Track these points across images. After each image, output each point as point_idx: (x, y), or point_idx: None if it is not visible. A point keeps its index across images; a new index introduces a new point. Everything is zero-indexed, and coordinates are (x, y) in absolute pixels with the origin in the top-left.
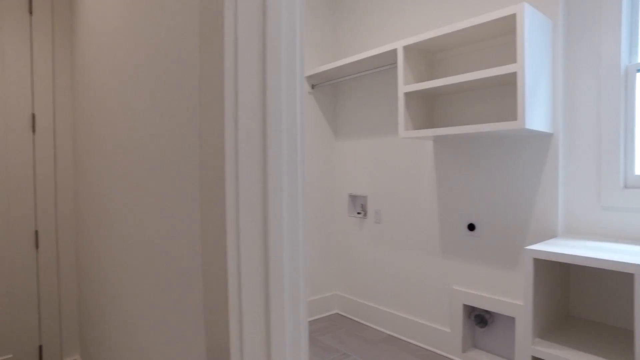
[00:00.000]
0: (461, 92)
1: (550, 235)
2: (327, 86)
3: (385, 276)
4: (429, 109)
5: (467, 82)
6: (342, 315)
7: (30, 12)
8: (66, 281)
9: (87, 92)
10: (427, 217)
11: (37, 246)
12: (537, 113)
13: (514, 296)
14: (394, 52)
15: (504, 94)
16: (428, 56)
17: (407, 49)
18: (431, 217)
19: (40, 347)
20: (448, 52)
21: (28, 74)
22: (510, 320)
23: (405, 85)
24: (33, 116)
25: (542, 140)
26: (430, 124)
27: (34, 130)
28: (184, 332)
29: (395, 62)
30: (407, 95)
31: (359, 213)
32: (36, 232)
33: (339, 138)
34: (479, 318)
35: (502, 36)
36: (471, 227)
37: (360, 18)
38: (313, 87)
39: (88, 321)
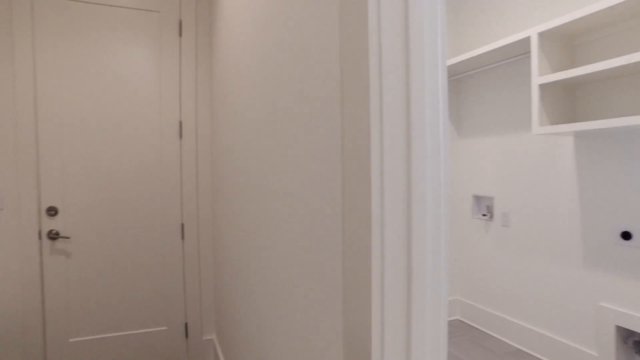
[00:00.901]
0: (611, 80)
1: None
2: (449, 82)
3: (514, 284)
4: (569, 101)
5: (620, 68)
6: (463, 322)
7: (180, 35)
8: (205, 268)
9: (224, 100)
10: (566, 222)
11: (182, 237)
12: None
13: None
14: (526, 41)
15: None
16: (568, 42)
17: (542, 35)
18: (571, 223)
19: (186, 324)
20: (592, 35)
21: (177, 87)
22: None
23: (540, 76)
24: (180, 124)
25: None
26: (570, 117)
27: (180, 136)
28: (320, 328)
29: (526, 52)
30: (543, 87)
31: (484, 215)
32: (182, 225)
33: (462, 136)
34: None
35: None
36: (626, 235)
37: (481, 7)
38: None
39: (222, 305)
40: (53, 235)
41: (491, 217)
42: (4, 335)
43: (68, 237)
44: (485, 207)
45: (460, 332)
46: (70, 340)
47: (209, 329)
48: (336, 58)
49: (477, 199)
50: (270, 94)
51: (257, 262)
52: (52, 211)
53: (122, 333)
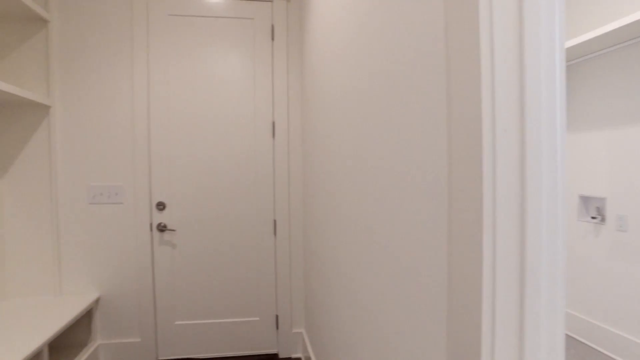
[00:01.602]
0: None
1: None
2: None
3: (631, 297)
4: None
5: None
6: (570, 337)
7: (272, 39)
8: (295, 263)
9: (316, 100)
10: None
11: (275, 233)
12: None
13: None
14: None
15: None
16: None
17: None
18: None
19: (277, 317)
20: None
21: (270, 88)
22: None
23: None
24: (273, 124)
25: None
26: None
27: (273, 136)
28: (421, 329)
29: None
30: None
31: (593, 218)
32: (274, 221)
33: (568, 130)
34: None
35: None
36: None
37: None
38: None
39: (312, 300)
40: (161, 228)
41: (602, 220)
42: (125, 313)
43: (174, 230)
44: (594, 209)
45: (567, 347)
46: (176, 322)
47: (299, 322)
48: (442, 47)
49: (585, 199)
50: (368, 91)
51: (352, 259)
52: (160, 206)
53: (219, 320)
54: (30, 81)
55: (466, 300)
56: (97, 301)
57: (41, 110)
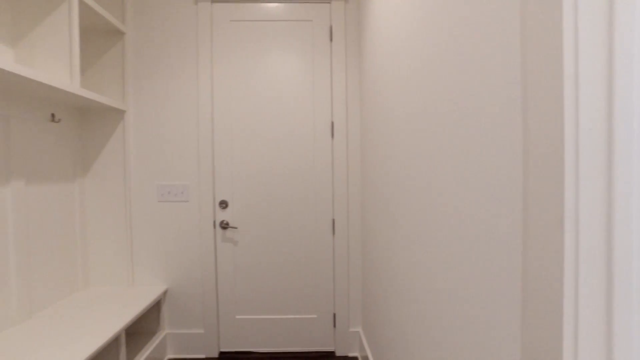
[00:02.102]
0: None
1: None
2: None
3: None
4: None
5: None
6: None
7: (331, 40)
8: (354, 263)
9: (375, 101)
10: None
11: (333, 232)
12: None
13: None
14: None
15: None
16: None
17: None
18: None
19: (334, 315)
20: None
21: (328, 89)
22: None
23: None
24: (332, 124)
25: None
26: None
27: (332, 136)
28: (488, 338)
29: None
30: None
31: None
32: (333, 221)
33: None
34: None
35: None
36: None
37: None
38: None
39: (370, 299)
40: (224, 225)
41: None
42: (190, 305)
43: (235, 227)
44: None
45: None
46: (237, 317)
47: (356, 321)
48: (517, 39)
49: None
50: (433, 91)
51: (415, 260)
52: (223, 204)
53: (278, 316)
54: (109, 88)
55: (545, 305)
56: (165, 293)
57: (118, 115)
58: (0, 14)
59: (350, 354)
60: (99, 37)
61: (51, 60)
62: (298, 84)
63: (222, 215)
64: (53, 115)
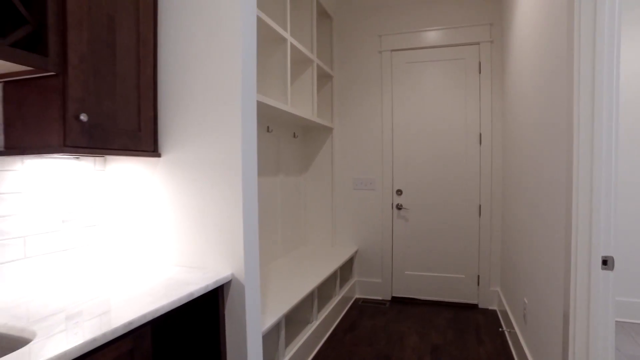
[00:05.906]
0: None
1: None
2: None
3: None
4: None
5: None
6: None
7: (479, 72)
8: (495, 238)
9: (513, 117)
10: None
11: (479, 214)
12: None
13: None
14: None
15: None
16: None
17: None
18: None
19: (478, 276)
20: None
21: (477, 108)
22: None
23: None
24: (480, 135)
25: None
26: None
27: (480, 143)
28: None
29: None
30: None
31: None
32: (479, 206)
33: None
34: None
35: None
36: None
37: None
38: None
39: (507, 264)
40: (399, 207)
41: None
42: (373, 262)
43: (407, 209)
44: None
45: None
46: (406, 272)
47: (495, 282)
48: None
49: None
50: (547, 117)
51: (542, 233)
52: (399, 192)
53: (435, 274)
54: (323, 113)
55: None
56: (356, 252)
57: (328, 131)
58: (279, 84)
59: (490, 307)
60: (320, 81)
61: (302, 102)
62: (454, 105)
63: (398, 200)
64: (294, 133)
